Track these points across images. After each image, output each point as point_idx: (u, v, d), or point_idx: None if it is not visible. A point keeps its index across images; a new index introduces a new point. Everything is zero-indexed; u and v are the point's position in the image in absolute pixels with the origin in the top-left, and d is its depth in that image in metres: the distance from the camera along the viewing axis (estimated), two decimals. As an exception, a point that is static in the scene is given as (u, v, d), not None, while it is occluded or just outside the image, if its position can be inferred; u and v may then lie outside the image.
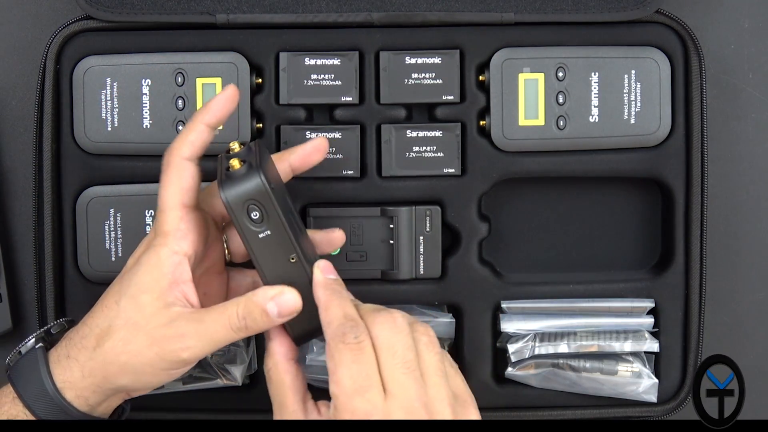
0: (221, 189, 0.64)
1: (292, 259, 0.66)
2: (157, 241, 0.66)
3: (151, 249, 0.66)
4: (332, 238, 0.73)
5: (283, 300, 0.65)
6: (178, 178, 0.66)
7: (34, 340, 0.68)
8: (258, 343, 0.80)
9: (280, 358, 0.67)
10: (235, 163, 0.65)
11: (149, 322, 0.64)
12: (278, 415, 0.66)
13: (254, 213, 0.64)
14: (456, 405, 0.64)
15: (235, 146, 0.68)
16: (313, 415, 0.66)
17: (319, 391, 0.81)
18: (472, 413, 0.65)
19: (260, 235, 0.65)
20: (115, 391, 0.66)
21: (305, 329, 0.68)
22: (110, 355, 0.64)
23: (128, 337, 0.64)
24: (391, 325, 0.63)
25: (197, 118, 0.68)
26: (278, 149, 0.79)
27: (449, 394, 0.63)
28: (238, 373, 0.79)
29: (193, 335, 0.64)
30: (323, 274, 0.67)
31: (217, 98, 0.68)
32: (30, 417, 0.65)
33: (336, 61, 0.79)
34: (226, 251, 0.71)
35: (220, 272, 0.71)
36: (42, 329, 0.69)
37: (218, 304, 0.65)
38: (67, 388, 0.65)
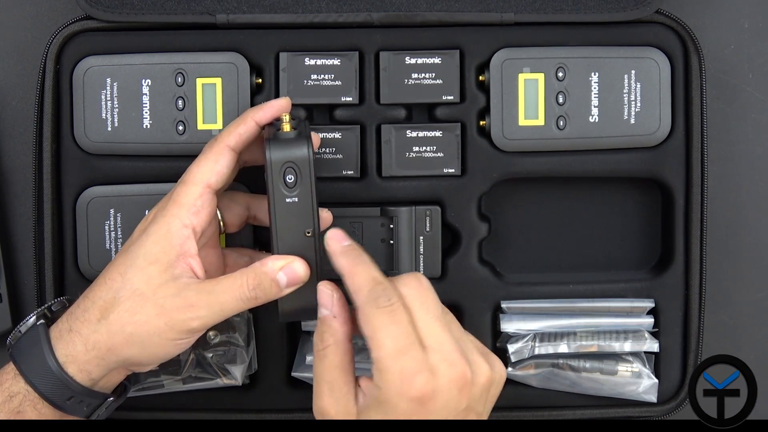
0: (268, 146, 0.66)
1: (308, 233, 0.67)
2: (169, 211, 0.66)
3: (161, 219, 0.66)
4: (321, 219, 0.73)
5: (292, 269, 0.66)
6: (215, 160, 0.68)
7: (35, 317, 0.68)
8: (259, 343, 0.80)
9: (341, 337, 0.66)
10: (286, 126, 0.68)
11: (157, 293, 0.64)
12: (328, 393, 0.65)
13: (290, 177, 0.66)
14: (484, 353, 0.66)
15: (287, 117, 0.69)
16: (360, 397, 0.65)
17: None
18: (497, 359, 0.67)
19: (287, 200, 0.66)
20: (119, 363, 0.66)
21: (295, 307, 0.68)
22: (116, 326, 0.64)
23: (135, 307, 0.64)
24: (418, 284, 0.65)
25: (249, 113, 0.70)
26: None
27: (477, 345, 0.67)
28: (238, 373, 0.79)
29: (203, 305, 0.64)
30: (338, 242, 0.67)
31: (273, 101, 0.71)
32: (31, 393, 0.65)
33: (336, 61, 0.79)
34: (221, 221, 0.72)
35: (215, 247, 0.72)
36: (42, 307, 0.69)
37: (225, 275, 0.66)
38: (70, 362, 0.65)
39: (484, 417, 0.66)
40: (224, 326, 0.79)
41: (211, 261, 0.72)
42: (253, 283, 0.65)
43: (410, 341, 0.62)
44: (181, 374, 0.78)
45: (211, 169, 0.68)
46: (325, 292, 0.66)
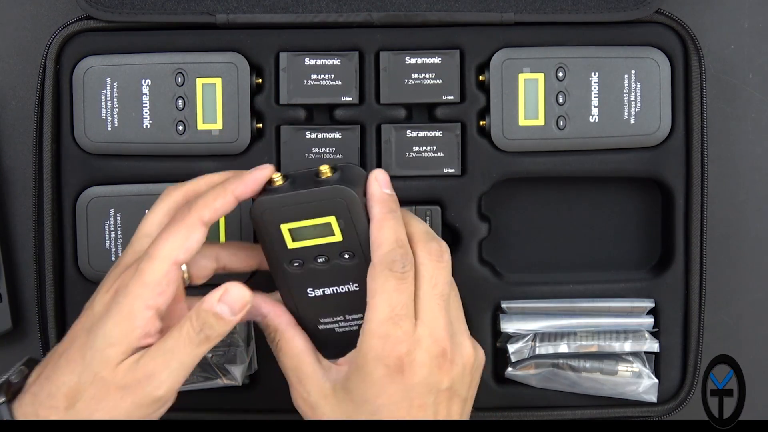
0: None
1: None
2: (132, 291, 0.62)
3: (123, 299, 0.62)
4: None
5: (230, 295, 0.63)
6: (185, 236, 0.63)
7: None
8: (258, 343, 0.80)
9: (283, 326, 0.66)
10: (278, 181, 0.66)
11: (116, 374, 0.62)
12: (297, 383, 0.66)
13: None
14: (468, 336, 0.67)
15: (277, 176, 0.66)
16: (333, 372, 0.65)
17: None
18: (479, 348, 0.68)
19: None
20: None
21: (327, 343, 0.68)
22: (84, 414, 0.62)
23: (99, 394, 0.62)
24: (439, 258, 0.65)
25: (229, 187, 0.64)
26: (278, 150, 0.80)
27: (465, 324, 0.67)
28: (238, 373, 0.79)
29: (161, 369, 0.62)
30: (380, 187, 0.66)
31: (254, 174, 0.65)
32: None
33: (336, 61, 0.79)
34: (186, 275, 0.67)
35: (180, 301, 0.67)
36: (1, 380, 0.64)
37: (171, 329, 0.63)
38: None
39: (469, 403, 0.67)
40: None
41: (178, 315, 0.67)
42: (198, 325, 0.62)
43: (405, 312, 0.63)
44: None
45: (181, 245, 0.63)
46: (242, 301, 0.64)
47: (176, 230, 0.63)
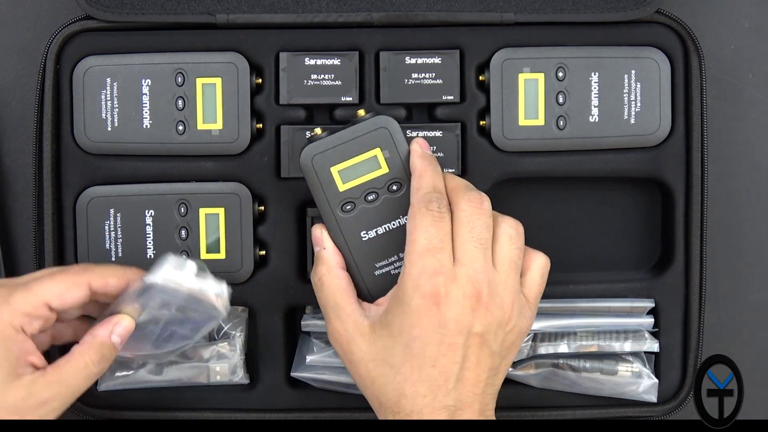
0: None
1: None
2: (1, 314, 0.65)
3: None
4: None
5: (122, 327, 0.68)
6: (68, 288, 0.67)
7: None
8: (259, 343, 0.80)
9: (333, 264, 0.69)
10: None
11: (6, 398, 0.64)
12: (334, 318, 0.68)
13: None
14: (517, 300, 0.67)
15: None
16: (372, 310, 0.68)
17: (319, 392, 0.81)
18: (530, 310, 0.68)
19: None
20: None
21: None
22: None
23: None
24: (477, 205, 0.67)
25: (126, 274, 0.69)
26: (278, 149, 0.80)
27: (516, 288, 0.67)
28: (227, 368, 0.79)
29: (55, 398, 0.65)
30: (422, 147, 0.70)
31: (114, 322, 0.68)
32: None
33: (336, 61, 0.79)
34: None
35: (60, 324, 0.71)
36: None
37: (64, 359, 0.66)
38: None
39: (503, 364, 0.67)
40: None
41: (67, 334, 0.72)
42: (96, 357, 0.67)
43: (442, 246, 0.65)
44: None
45: (59, 294, 0.66)
46: (316, 231, 0.70)
47: (62, 279, 0.67)
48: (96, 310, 0.71)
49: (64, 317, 0.70)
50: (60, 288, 0.67)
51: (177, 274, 0.68)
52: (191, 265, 0.69)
